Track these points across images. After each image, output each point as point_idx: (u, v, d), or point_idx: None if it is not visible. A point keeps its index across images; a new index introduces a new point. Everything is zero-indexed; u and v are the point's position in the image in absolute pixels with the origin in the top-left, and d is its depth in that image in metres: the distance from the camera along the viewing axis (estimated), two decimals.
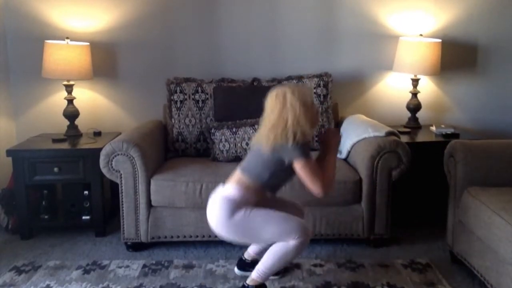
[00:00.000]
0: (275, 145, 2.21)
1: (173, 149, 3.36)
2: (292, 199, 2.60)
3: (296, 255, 2.33)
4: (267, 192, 2.38)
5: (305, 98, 2.23)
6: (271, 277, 2.51)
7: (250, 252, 2.64)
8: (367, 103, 3.79)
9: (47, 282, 2.62)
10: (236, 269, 2.68)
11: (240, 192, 2.27)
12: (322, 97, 3.40)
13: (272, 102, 2.25)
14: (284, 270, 2.64)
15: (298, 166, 2.20)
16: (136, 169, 2.87)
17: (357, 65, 3.75)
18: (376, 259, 2.86)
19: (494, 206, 2.32)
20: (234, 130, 3.24)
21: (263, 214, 2.28)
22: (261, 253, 2.55)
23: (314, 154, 2.36)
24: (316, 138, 3.17)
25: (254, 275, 2.36)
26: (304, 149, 2.20)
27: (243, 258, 2.66)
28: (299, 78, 3.46)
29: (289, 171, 2.26)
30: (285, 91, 2.22)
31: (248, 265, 2.62)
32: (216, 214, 2.29)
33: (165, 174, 2.95)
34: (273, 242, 2.30)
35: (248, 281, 2.37)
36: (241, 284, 2.43)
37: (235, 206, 2.25)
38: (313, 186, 2.22)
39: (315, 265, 2.79)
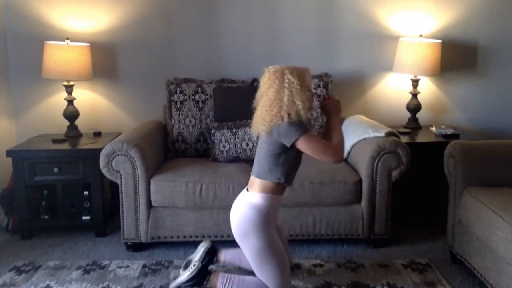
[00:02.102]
0: (272, 127, 2.11)
1: (173, 149, 3.36)
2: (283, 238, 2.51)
3: None
4: (285, 185, 2.25)
5: (303, 78, 2.14)
6: None
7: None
8: (367, 104, 3.79)
9: (47, 282, 2.63)
10: None
11: (264, 198, 2.19)
12: (322, 97, 3.40)
13: (269, 79, 2.15)
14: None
15: (302, 144, 2.11)
16: (136, 170, 2.87)
17: (357, 65, 3.75)
18: (376, 259, 2.86)
19: (494, 206, 2.32)
20: (234, 130, 3.24)
21: (280, 258, 2.24)
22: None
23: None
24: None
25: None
26: (301, 124, 2.10)
27: None
28: None
29: (295, 153, 2.18)
30: (283, 69, 2.14)
31: None
32: (244, 223, 2.20)
33: (165, 174, 2.95)
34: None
35: None
36: None
37: (265, 215, 2.18)
38: (325, 156, 2.13)
39: (315, 265, 2.79)
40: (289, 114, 2.09)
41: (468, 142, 2.76)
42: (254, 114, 2.22)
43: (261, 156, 2.22)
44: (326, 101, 2.33)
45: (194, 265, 2.39)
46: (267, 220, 2.20)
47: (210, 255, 2.46)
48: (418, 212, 3.42)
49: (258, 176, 2.21)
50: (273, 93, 2.12)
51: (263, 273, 2.24)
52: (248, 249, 2.24)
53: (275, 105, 2.10)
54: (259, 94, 2.20)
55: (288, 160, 2.18)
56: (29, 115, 3.65)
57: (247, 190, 2.27)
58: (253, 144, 3.20)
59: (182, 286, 2.38)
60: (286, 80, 2.11)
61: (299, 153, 2.20)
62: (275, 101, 2.10)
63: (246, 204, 2.21)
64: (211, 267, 2.43)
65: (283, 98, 2.09)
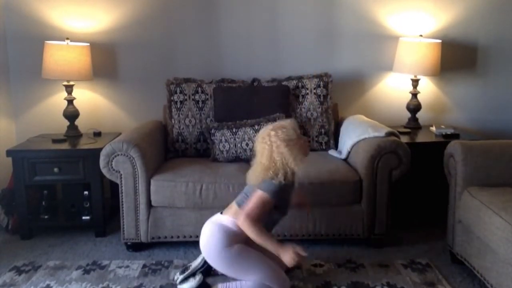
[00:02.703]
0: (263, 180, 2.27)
1: (173, 149, 3.36)
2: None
3: None
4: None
5: (288, 136, 2.27)
6: None
7: None
8: (367, 104, 3.79)
9: (47, 282, 2.63)
10: None
11: (234, 224, 2.30)
12: (322, 97, 3.40)
13: (260, 146, 2.31)
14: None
15: (257, 194, 2.24)
16: (136, 169, 2.87)
17: (357, 65, 3.75)
18: (376, 259, 2.86)
19: (494, 206, 2.32)
20: (234, 130, 3.24)
21: (256, 256, 2.31)
22: None
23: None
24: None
25: None
26: (279, 190, 2.24)
27: None
28: (299, 78, 3.46)
29: (276, 206, 2.30)
30: (269, 133, 2.28)
31: None
32: (211, 242, 2.31)
33: (165, 174, 2.95)
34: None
35: None
36: None
37: (231, 237, 2.28)
38: (245, 214, 2.21)
39: (315, 265, 2.79)
40: (285, 174, 2.25)
41: (468, 142, 2.76)
42: (251, 169, 2.37)
43: (248, 190, 2.37)
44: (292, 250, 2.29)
45: (195, 278, 2.46)
46: (233, 241, 2.28)
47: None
48: (418, 212, 3.42)
49: (237, 203, 2.36)
50: (266, 159, 2.27)
51: (252, 273, 2.29)
52: (221, 266, 2.34)
53: (270, 166, 2.26)
54: (254, 157, 2.37)
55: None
56: (29, 115, 3.66)
57: (221, 213, 2.40)
58: (253, 144, 3.20)
59: None
60: (274, 145, 2.26)
61: (283, 208, 2.36)
62: (271, 165, 2.26)
63: (216, 224, 2.34)
64: (210, 281, 2.48)
65: (276, 163, 2.25)
